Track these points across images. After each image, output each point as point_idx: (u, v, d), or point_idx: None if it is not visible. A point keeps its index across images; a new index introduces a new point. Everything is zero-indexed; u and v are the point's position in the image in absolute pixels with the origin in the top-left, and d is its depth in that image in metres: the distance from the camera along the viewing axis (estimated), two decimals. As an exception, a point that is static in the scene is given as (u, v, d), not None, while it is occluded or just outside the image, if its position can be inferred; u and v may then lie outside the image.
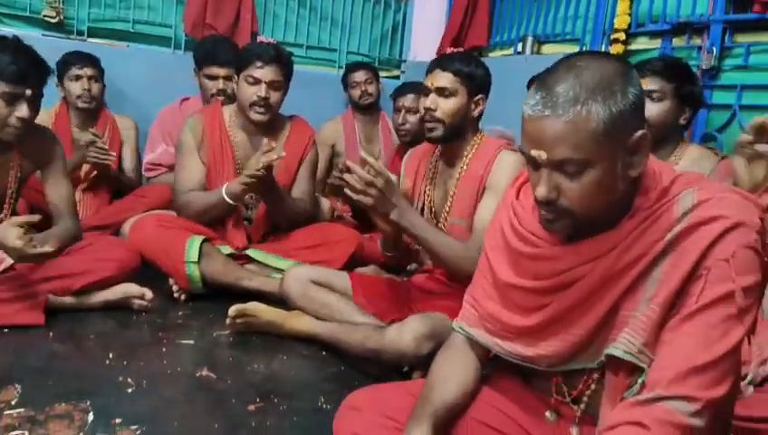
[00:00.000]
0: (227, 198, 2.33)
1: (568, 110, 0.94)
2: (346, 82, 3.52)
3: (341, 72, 3.70)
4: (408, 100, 3.07)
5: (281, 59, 2.41)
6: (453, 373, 1.21)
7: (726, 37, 2.39)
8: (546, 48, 3.26)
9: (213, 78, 2.93)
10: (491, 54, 3.67)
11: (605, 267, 1.04)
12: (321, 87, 3.73)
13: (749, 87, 2.32)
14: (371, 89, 3.42)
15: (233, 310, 1.99)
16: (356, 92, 3.44)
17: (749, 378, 1.51)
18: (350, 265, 2.43)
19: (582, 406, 1.13)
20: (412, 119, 3.03)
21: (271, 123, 2.50)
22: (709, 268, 0.94)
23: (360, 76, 3.43)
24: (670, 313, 0.98)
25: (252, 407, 1.58)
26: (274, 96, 2.42)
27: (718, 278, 0.94)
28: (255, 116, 2.41)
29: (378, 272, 2.54)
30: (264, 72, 2.38)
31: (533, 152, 0.99)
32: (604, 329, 1.06)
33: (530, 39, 3.28)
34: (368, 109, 3.45)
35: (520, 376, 1.23)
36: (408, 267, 2.35)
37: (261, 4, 3.72)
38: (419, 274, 2.21)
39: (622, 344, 1.00)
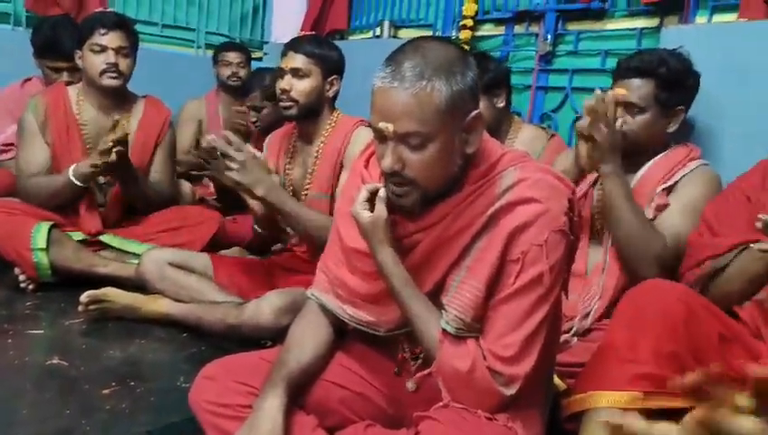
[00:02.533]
0: (75, 180, 2.22)
1: (414, 83, 1.02)
2: (217, 59, 3.41)
3: (200, 52, 3.61)
4: (253, 99, 2.99)
5: (124, 25, 2.33)
6: (308, 338, 1.26)
7: (560, 25, 2.62)
8: (402, 32, 3.39)
9: (56, 71, 2.71)
10: (351, 37, 3.75)
11: (436, 235, 1.14)
12: (178, 67, 3.62)
13: (579, 71, 2.56)
14: (242, 73, 3.34)
15: (85, 296, 1.91)
16: (226, 72, 3.34)
17: (574, 330, 1.70)
18: (212, 248, 2.41)
19: (419, 362, 1.23)
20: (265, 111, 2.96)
21: (122, 100, 2.40)
22: (526, 252, 1.07)
23: (234, 57, 3.35)
24: (492, 290, 1.09)
25: (106, 391, 1.54)
26: (123, 63, 2.32)
27: (532, 261, 1.07)
28: (108, 81, 2.31)
29: (242, 253, 2.54)
30: (110, 39, 2.28)
31: (381, 124, 1.06)
32: (438, 295, 1.16)
33: (387, 24, 3.39)
34: (234, 91, 3.38)
35: (370, 338, 1.30)
36: (273, 248, 2.37)
37: (110, -21, 3.53)
38: (282, 253, 2.25)
39: (454, 322, 1.10)
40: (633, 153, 1.72)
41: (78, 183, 2.22)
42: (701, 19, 2.15)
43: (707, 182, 1.70)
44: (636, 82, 1.72)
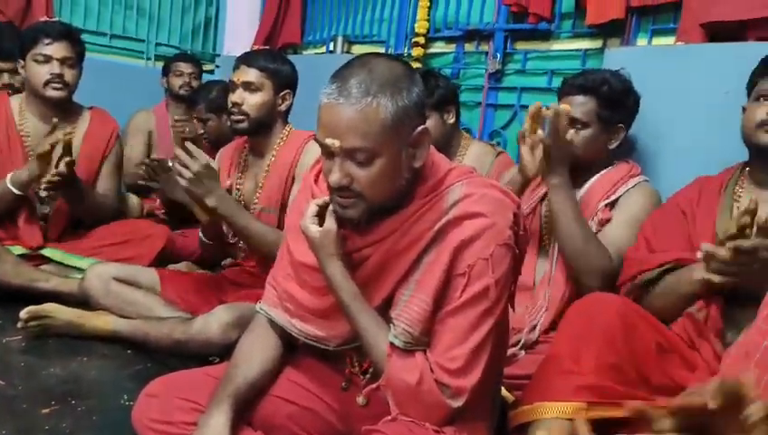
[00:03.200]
0: (13, 188, 2.14)
1: (360, 99, 1.03)
2: (168, 70, 3.35)
3: (150, 63, 3.55)
4: (199, 112, 2.94)
5: (70, 35, 2.28)
6: (255, 353, 1.25)
7: (508, 44, 2.69)
8: (355, 48, 3.41)
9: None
10: (304, 52, 3.76)
11: (386, 250, 1.15)
12: (127, 79, 3.55)
13: (527, 89, 2.63)
14: (195, 84, 3.28)
15: (24, 312, 1.85)
16: (178, 82, 3.27)
17: (521, 343, 1.73)
18: (160, 263, 2.36)
19: (368, 376, 1.23)
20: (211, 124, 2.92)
21: (67, 111, 2.34)
22: (472, 266, 1.08)
23: (186, 67, 3.28)
24: (439, 303, 1.10)
25: (46, 410, 1.49)
26: (69, 74, 2.27)
27: (478, 275, 1.08)
28: (53, 93, 2.25)
29: (190, 268, 2.50)
30: (54, 49, 2.23)
31: (328, 140, 1.06)
32: (387, 309, 1.16)
33: (340, 39, 3.41)
34: (185, 102, 3.32)
35: (320, 353, 1.29)
36: (223, 263, 2.34)
37: (57, -13, 3.45)
38: (231, 267, 2.22)
39: (402, 336, 1.10)
40: (576, 168, 1.77)
41: (15, 191, 2.15)
42: (641, 42, 2.25)
43: (647, 198, 1.77)
44: (579, 98, 1.79)
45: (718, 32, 1.96)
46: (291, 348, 1.32)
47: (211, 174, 1.77)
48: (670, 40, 2.14)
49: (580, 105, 1.78)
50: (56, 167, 2.09)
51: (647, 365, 1.25)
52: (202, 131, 2.86)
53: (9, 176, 2.15)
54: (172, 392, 1.18)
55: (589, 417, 1.17)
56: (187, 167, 1.73)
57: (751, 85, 1.55)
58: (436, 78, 2.27)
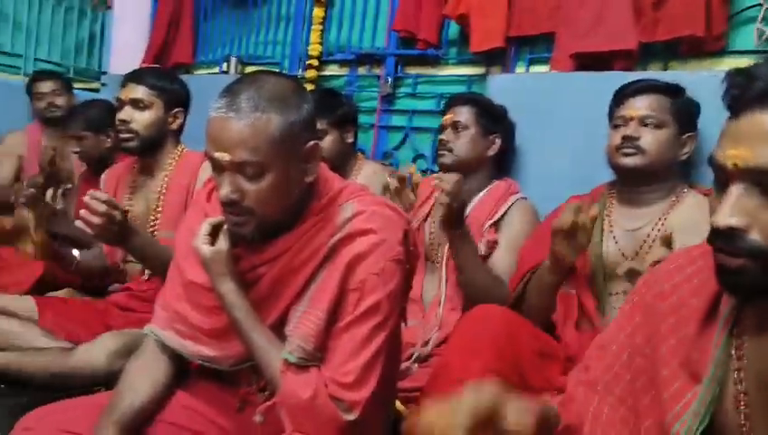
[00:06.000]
0: None
1: (249, 114, 1.05)
2: (31, 93, 3.18)
3: (27, 80, 3.35)
4: (75, 129, 2.74)
5: None
6: (143, 379, 1.21)
7: (399, 68, 2.78)
8: (249, 69, 3.39)
9: None
10: (197, 72, 3.69)
11: (280, 267, 1.16)
12: (2, 96, 3.33)
13: (417, 112, 2.72)
14: (60, 101, 3.10)
15: None
16: (41, 104, 3.09)
17: (415, 356, 1.78)
18: (39, 290, 2.21)
19: (267, 393, 1.22)
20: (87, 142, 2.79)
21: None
22: (364, 281, 1.11)
23: (46, 87, 3.10)
24: (333, 318, 1.12)
25: None
26: None
27: (370, 290, 1.11)
28: None
29: (73, 295, 2.36)
30: None
31: (217, 154, 1.07)
32: (282, 327, 1.16)
33: (234, 60, 3.39)
34: (56, 123, 3.13)
35: (214, 374, 1.27)
36: (110, 288, 2.23)
37: None
38: (120, 292, 2.12)
39: (296, 352, 1.11)
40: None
41: None
42: (520, 69, 2.40)
43: (527, 218, 1.92)
44: (462, 107, 2.01)
45: (587, 62, 2.14)
46: (182, 372, 1.28)
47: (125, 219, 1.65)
48: (546, 68, 2.31)
49: (462, 112, 1.98)
50: None
51: (528, 370, 1.33)
52: (78, 149, 2.71)
53: None
54: (50, 424, 1.11)
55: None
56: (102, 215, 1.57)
57: (610, 112, 1.71)
58: (338, 97, 2.34)
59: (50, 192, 2.74)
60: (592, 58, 2.12)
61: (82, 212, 1.58)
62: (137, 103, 1.90)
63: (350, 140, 2.31)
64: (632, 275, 1.49)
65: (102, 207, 1.57)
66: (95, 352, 1.70)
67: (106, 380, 1.69)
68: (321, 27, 3.01)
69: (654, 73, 1.98)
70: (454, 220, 1.73)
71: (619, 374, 0.93)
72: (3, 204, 2.71)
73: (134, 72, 2.00)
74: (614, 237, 1.64)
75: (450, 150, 1.96)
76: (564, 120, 2.07)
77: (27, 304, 1.94)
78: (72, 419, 1.13)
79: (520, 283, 1.68)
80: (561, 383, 1.39)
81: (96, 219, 1.57)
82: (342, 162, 2.25)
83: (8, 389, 1.75)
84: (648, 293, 0.94)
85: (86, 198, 1.59)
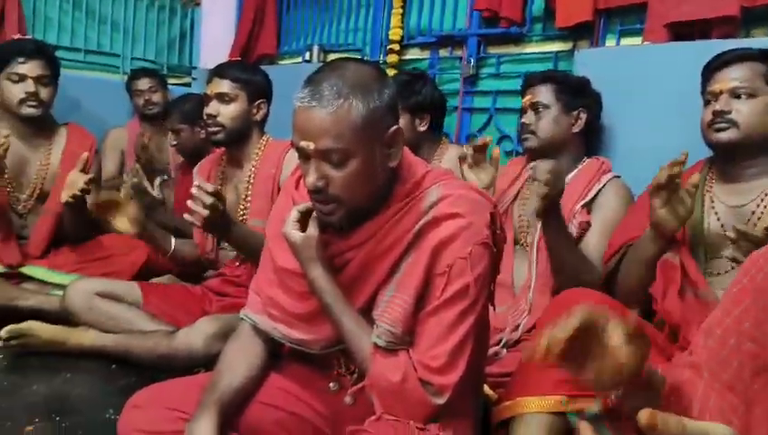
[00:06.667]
0: None
1: (332, 102, 1.06)
2: (130, 90, 3.37)
3: (125, 78, 3.54)
4: (172, 122, 2.89)
5: (44, 52, 2.29)
6: (240, 361, 1.26)
7: (482, 49, 2.73)
8: (331, 57, 3.43)
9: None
10: (281, 62, 3.77)
11: (367, 252, 1.17)
12: (103, 94, 3.52)
13: (501, 92, 2.66)
14: (156, 97, 3.27)
15: (5, 331, 1.83)
16: (140, 101, 3.27)
17: (503, 342, 1.76)
18: (143, 277, 2.35)
19: (356, 376, 1.25)
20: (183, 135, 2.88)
21: (43, 128, 2.34)
22: (451, 266, 1.11)
23: (143, 84, 3.27)
24: (421, 303, 1.13)
25: (30, 428, 1.48)
26: (44, 92, 2.28)
27: (458, 274, 1.11)
28: (28, 110, 2.26)
29: (173, 281, 2.49)
30: (29, 68, 2.24)
31: (302, 143, 1.09)
32: (370, 311, 1.18)
33: (316, 48, 3.44)
34: (155, 118, 3.31)
35: (306, 357, 1.30)
36: (205, 274, 2.34)
37: (29, 4, 3.42)
38: (214, 278, 2.22)
39: (385, 335, 1.12)
40: (548, 158, 1.82)
41: None
42: (610, 42, 2.30)
43: (622, 198, 1.83)
44: (540, 87, 1.92)
45: (684, 31, 2.01)
46: (276, 355, 1.33)
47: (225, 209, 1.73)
48: (638, 40, 2.19)
49: (540, 92, 1.91)
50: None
51: (623, 356, 1.28)
52: (175, 142, 2.85)
53: None
54: (157, 402, 1.19)
55: (569, 410, 1.20)
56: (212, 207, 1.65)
57: (702, 89, 1.61)
58: (423, 84, 2.28)
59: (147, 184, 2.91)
60: (689, 27, 2.00)
61: (190, 202, 1.66)
62: (222, 97, 1.98)
63: (422, 128, 2.25)
64: (741, 241, 1.37)
65: (210, 199, 1.65)
66: (194, 336, 1.79)
67: (204, 361, 1.78)
68: (401, 11, 2.99)
69: (758, 41, 1.83)
70: (551, 209, 1.65)
71: (727, 360, 0.88)
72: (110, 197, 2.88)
73: (218, 66, 2.07)
74: (716, 214, 1.55)
75: (533, 133, 1.90)
76: (658, 95, 1.97)
77: (132, 289, 2.07)
78: (176, 397, 1.20)
79: (614, 257, 1.62)
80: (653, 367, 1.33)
81: (203, 210, 1.65)
82: (414, 148, 2.21)
83: (118, 369, 1.87)
84: (758, 275, 0.88)
85: (194, 190, 1.66)
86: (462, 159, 1.81)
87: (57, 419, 1.54)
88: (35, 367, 1.85)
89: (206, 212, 1.64)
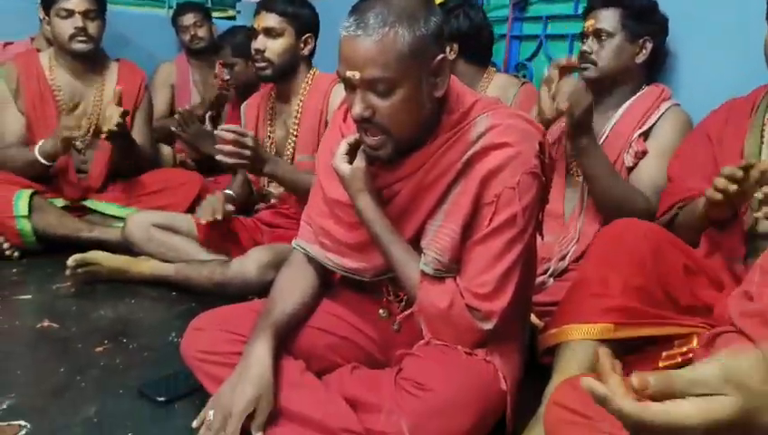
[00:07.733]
0: (41, 159, 2.22)
1: (377, 30, 1.05)
2: (176, 26, 3.37)
3: (170, 12, 3.54)
4: (225, 56, 2.89)
5: None
6: (293, 287, 1.31)
7: (532, -28, 2.61)
8: (376, -15, 3.33)
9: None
10: (326, -7, 3.69)
11: (415, 184, 1.18)
12: (149, 29, 3.54)
13: (553, 18, 2.56)
14: (201, 32, 3.26)
15: (71, 260, 1.94)
16: (185, 37, 3.28)
17: (550, 271, 1.76)
18: (195, 209, 2.43)
19: (404, 304, 1.28)
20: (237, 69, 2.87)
21: (95, 64, 2.39)
22: (499, 195, 1.11)
23: (188, 19, 3.26)
24: (468, 232, 1.14)
25: (99, 349, 1.59)
26: (92, 26, 2.31)
27: (505, 204, 1.11)
28: (78, 46, 2.31)
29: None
30: (76, 2, 2.28)
31: (348, 73, 1.09)
32: (419, 240, 1.20)
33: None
34: (201, 53, 3.32)
35: (356, 285, 1.34)
36: (256, 207, 2.40)
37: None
38: (265, 210, 2.28)
39: (433, 263, 1.15)
40: (607, 88, 1.78)
41: (44, 162, 2.22)
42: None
43: (680, 126, 1.75)
44: (603, 11, 1.80)
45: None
46: (327, 283, 1.37)
47: (260, 145, 1.80)
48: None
49: (604, 17, 1.79)
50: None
51: (674, 286, 1.27)
52: (228, 77, 2.87)
53: (37, 147, 2.22)
54: (217, 325, 1.25)
55: (616, 337, 1.21)
56: (245, 146, 1.73)
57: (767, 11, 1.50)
58: (459, 13, 2.19)
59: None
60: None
61: (218, 144, 1.73)
62: (269, 32, 1.96)
63: (450, 57, 2.16)
64: None
65: (230, 136, 1.71)
66: (248, 265, 1.86)
67: (258, 289, 1.85)
68: (448, -66, 2.87)
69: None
70: (578, 130, 1.62)
71: None
72: (164, 133, 2.96)
73: (265, 0, 2.04)
74: None
75: (593, 63, 1.79)
76: (722, 18, 1.86)
77: (187, 221, 2.14)
78: (235, 321, 1.26)
79: (668, 212, 1.56)
80: (709, 300, 1.32)
81: (228, 147, 1.71)
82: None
83: (178, 296, 1.96)
84: None
85: (216, 132, 1.75)
86: (547, 81, 1.71)
87: (124, 341, 1.64)
88: (101, 294, 1.96)
89: (229, 148, 1.72)
